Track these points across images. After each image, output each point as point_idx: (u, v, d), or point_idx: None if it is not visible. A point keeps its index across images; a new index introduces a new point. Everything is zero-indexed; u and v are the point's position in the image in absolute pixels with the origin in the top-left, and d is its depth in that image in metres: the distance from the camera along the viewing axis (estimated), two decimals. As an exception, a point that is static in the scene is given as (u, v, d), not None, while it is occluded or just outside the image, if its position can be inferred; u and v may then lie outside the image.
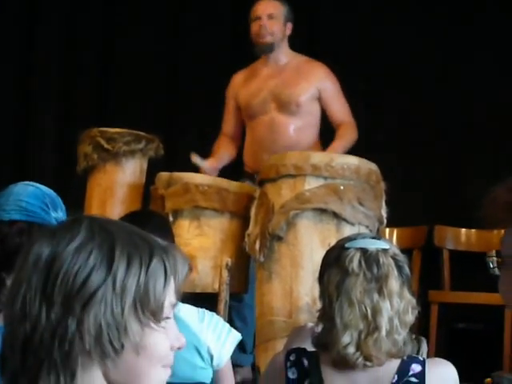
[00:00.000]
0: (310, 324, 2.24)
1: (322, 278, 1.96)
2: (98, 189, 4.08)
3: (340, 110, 4.12)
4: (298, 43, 4.27)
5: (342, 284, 1.89)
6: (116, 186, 4.07)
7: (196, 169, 4.03)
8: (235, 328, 3.79)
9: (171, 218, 3.70)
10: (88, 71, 5.21)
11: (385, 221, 3.64)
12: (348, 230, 3.41)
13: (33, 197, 1.91)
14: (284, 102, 4.09)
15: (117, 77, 5.17)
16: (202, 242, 3.72)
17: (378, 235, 3.55)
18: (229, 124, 4.30)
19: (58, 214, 1.90)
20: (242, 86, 4.24)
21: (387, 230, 4.46)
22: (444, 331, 4.39)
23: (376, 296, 1.89)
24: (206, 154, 4.22)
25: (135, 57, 5.10)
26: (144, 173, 4.15)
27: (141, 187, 4.12)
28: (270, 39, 4.12)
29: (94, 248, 1.11)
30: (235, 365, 3.56)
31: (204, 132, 4.89)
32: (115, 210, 3.96)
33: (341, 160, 3.59)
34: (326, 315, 1.92)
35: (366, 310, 1.88)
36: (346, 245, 1.94)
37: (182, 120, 5.09)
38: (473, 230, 4.60)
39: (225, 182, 3.82)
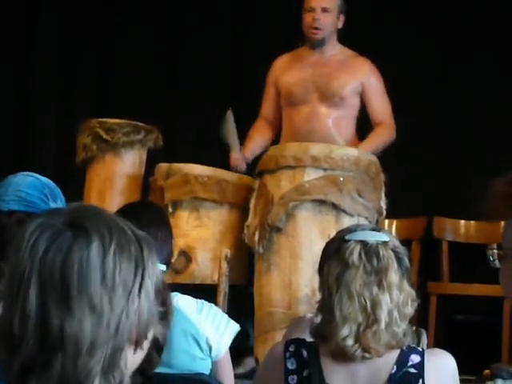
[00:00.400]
0: (309, 315, 2.25)
1: (321, 269, 1.96)
2: (97, 180, 4.07)
3: (381, 108, 4.06)
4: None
5: (342, 276, 1.90)
6: (115, 176, 4.06)
7: (195, 160, 4.00)
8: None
9: (170, 209, 3.70)
10: (88, 71, 5.20)
11: (384, 212, 3.64)
12: (347, 222, 3.41)
13: (32, 187, 1.91)
14: (328, 94, 4.02)
15: (117, 76, 5.16)
16: (202, 233, 3.72)
17: (378, 227, 3.56)
18: (267, 108, 4.19)
19: (57, 205, 1.90)
20: (283, 72, 4.14)
21: (386, 221, 4.45)
22: (443, 323, 4.39)
23: (375, 289, 1.89)
24: (208, 147, 4.19)
25: (135, 56, 5.09)
26: (143, 164, 4.14)
27: (140, 178, 4.11)
28: (322, 35, 4.05)
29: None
30: (251, 350, 3.56)
31: (204, 123, 4.89)
32: (114, 201, 3.95)
33: (340, 151, 3.59)
34: (325, 307, 1.92)
35: (366, 303, 1.88)
36: (346, 237, 1.93)
37: (182, 113, 5.08)
38: (472, 222, 4.61)
39: (224, 173, 3.82)
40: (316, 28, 4.04)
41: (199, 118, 4.93)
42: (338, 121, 4.03)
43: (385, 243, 1.93)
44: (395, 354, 1.92)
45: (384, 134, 4.04)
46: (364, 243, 1.92)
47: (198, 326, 2.35)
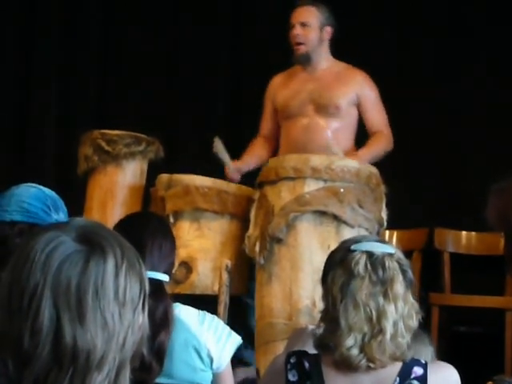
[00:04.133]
0: (311, 326, 2.24)
1: (325, 278, 1.95)
2: (98, 191, 4.08)
3: (377, 118, 4.08)
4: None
5: (347, 286, 1.89)
6: (116, 187, 4.06)
7: (196, 171, 4.00)
8: (250, 326, 3.80)
9: (172, 220, 3.70)
10: (87, 73, 5.21)
11: (385, 223, 3.63)
12: (348, 233, 3.40)
13: (34, 198, 1.91)
14: (323, 105, 4.05)
15: (116, 79, 5.17)
16: (202, 243, 3.72)
17: (381, 239, 3.55)
18: (266, 125, 4.25)
19: (60, 216, 1.90)
20: (280, 88, 4.20)
21: (387, 232, 4.45)
22: (445, 334, 4.38)
23: (381, 299, 1.89)
24: (209, 156, 4.19)
25: (135, 59, 5.10)
26: (144, 175, 4.15)
27: (141, 189, 4.12)
28: (304, 49, 4.08)
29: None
30: (243, 362, 3.56)
31: (204, 134, 4.89)
32: (115, 212, 3.95)
33: (341, 163, 3.59)
34: (330, 316, 1.92)
35: (371, 313, 1.88)
36: (352, 247, 1.93)
37: (182, 122, 5.09)
38: (473, 233, 4.60)
39: (225, 184, 3.82)
40: (297, 43, 4.08)
41: (200, 129, 4.93)
42: (336, 132, 4.05)
43: (390, 255, 1.93)
44: (398, 365, 1.91)
45: (381, 143, 4.06)
46: (370, 254, 1.92)
47: (200, 337, 2.34)
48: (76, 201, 3.85)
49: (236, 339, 2.41)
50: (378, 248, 1.93)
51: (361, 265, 1.90)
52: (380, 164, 3.89)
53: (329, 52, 4.16)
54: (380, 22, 4.79)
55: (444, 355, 3.93)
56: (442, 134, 4.71)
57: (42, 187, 1.97)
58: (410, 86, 4.69)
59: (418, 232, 4.61)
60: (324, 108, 4.06)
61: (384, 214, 3.63)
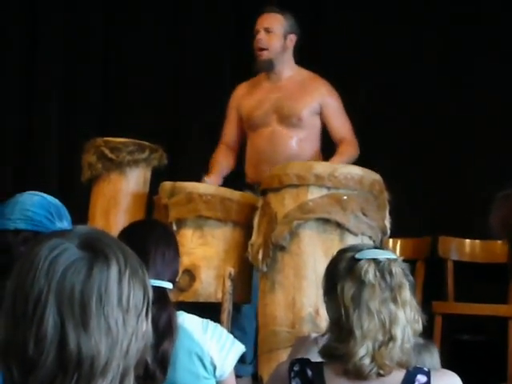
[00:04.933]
0: (314, 334, 2.24)
1: (332, 290, 1.94)
2: (101, 198, 4.08)
3: (341, 126, 4.11)
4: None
5: (359, 295, 1.89)
6: (120, 195, 4.07)
7: (200, 179, 4.03)
8: (244, 329, 3.80)
9: (175, 228, 3.69)
10: (90, 82, 5.22)
11: (388, 231, 3.63)
12: (351, 241, 3.40)
13: (38, 206, 1.91)
14: (285, 115, 4.09)
15: (118, 87, 5.18)
16: (206, 251, 3.71)
17: (382, 246, 3.55)
18: (229, 134, 4.30)
19: (63, 224, 1.90)
20: (244, 98, 4.24)
21: (391, 240, 4.45)
22: (448, 342, 4.37)
23: (392, 305, 1.89)
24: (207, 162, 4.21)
25: (136, 67, 5.11)
26: (148, 182, 4.16)
27: (144, 197, 4.12)
28: (267, 54, 4.10)
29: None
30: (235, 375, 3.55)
31: (207, 141, 4.89)
32: (119, 220, 3.96)
33: (344, 170, 3.58)
34: (341, 327, 1.91)
35: (385, 320, 1.88)
36: (357, 256, 1.93)
37: (185, 129, 5.10)
38: (477, 241, 4.59)
39: (228, 192, 3.82)
40: (260, 49, 4.10)
41: (203, 136, 4.93)
42: (299, 141, 4.08)
43: (394, 260, 1.94)
44: (401, 373, 1.91)
45: (348, 150, 4.08)
46: (376, 261, 1.92)
47: (203, 345, 2.34)
48: (80, 208, 3.86)
49: (239, 347, 2.41)
50: (382, 255, 1.93)
51: (370, 273, 1.90)
52: (383, 171, 3.89)
53: (292, 60, 4.18)
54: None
55: (447, 363, 3.92)
56: (444, 141, 4.71)
57: (45, 195, 1.97)
58: (408, 94, 4.70)
59: (421, 240, 4.60)
60: (287, 118, 4.10)
61: (387, 222, 3.62)
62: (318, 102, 4.10)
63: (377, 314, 1.88)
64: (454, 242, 4.61)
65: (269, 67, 4.14)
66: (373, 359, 1.87)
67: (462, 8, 4.72)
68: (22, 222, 1.87)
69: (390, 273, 1.91)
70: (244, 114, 4.21)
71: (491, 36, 4.65)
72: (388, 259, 1.93)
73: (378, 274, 1.91)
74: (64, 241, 1.12)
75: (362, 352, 1.87)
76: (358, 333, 1.87)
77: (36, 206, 1.91)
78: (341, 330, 1.90)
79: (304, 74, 4.18)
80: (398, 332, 1.88)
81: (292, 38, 4.14)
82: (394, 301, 1.90)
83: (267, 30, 4.10)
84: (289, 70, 4.17)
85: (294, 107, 4.08)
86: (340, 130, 4.11)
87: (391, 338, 1.87)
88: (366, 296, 1.89)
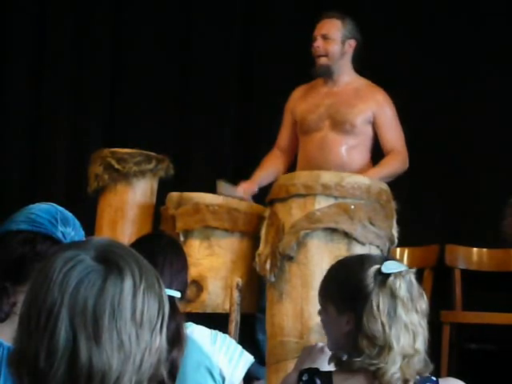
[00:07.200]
0: (320, 344, 2.23)
1: (360, 304, 1.92)
2: (108, 209, 4.08)
3: (392, 137, 4.04)
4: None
5: (394, 310, 1.89)
6: (127, 206, 4.07)
7: (206, 189, 4.01)
8: (257, 340, 3.79)
9: (182, 238, 3.69)
10: (97, 93, 5.23)
11: (396, 240, 3.62)
12: (359, 250, 3.39)
13: (44, 211, 1.92)
14: (339, 121, 4.04)
15: (125, 98, 5.19)
16: (213, 262, 3.71)
17: (390, 255, 3.54)
18: (283, 137, 4.24)
19: (67, 230, 1.89)
20: (300, 101, 4.19)
21: (398, 249, 4.44)
22: (456, 352, 4.36)
23: (415, 317, 1.90)
24: (219, 174, 4.18)
25: (143, 78, 5.12)
26: (154, 193, 4.15)
27: (151, 207, 4.12)
28: (325, 61, 4.06)
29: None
30: (254, 377, 3.55)
31: (214, 151, 4.90)
32: (126, 231, 3.96)
33: (351, 179, 3.58)
34: (374, 343, 1.89)
35: (413, 333, 1.89)
36: (384, 270, 1.91)
37: (192, 140, 5.10)
38: (484, 250, 4.58)
39: (235, 202, 3.82)
40: (318, 56, 4.08)
41: (210, 146, 4.94)
42: (350, 149, 4.03)
43: (412, 271, 1.95)
44: (410, 383, 1.91)
45: (395, 162, 4.03)
46: (401, 274, 1.91)
47: (212, 357, 2.34)
48: (87, 220, 3.86)
49: (248, 358, 2.41)
50: (401, 266, 1.93)
51: (403, 288, 1.90)
52: (390, 181, 3.88)
53: (351, 66, 4.14)
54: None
55: (455, 373, 3.91)
56: (452, 150, 4.70)
57: (57, 205, 1.97)
58: (424, 102, 4.69)
59: (428, 249, 4.59)
60: (339, 124, 4.04)
61: (395, 231, 3.62)
62: (372, 110, 4.04)
63: (410, 328, 1.89)
64: (462, 251, 4.60)
65: (326, 73, 4.10)
66: (401, 372, 1.88)
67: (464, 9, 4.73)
68: (24, 224, 1.89)
69: (411, 284, 1.92)
70: (298, 118, 4.16)
71: (498, 42, 4.66)
72: (407, 270, 1.93)
73: (404, 286, 1.91)
74: (80, 252, 1.12)
75: (396, 367, 1.87)
76: (396, 348, 1.87)
77: (42, 210, 1.92)
78: (374, 346, 1.89)
79: (361, 81, 4.13)
80: (421, 344, 1.89)
81: (351, 44, 4.09)
82: (416, 312, 1.90)
83: (324, 37, 4.07)
84: (346, 76, 4.12)
85: (348, 113, 4.03)
86: (390, 141, 4.04)
87: (417, 351, 1.89)
88: (400, 311, 1.89)
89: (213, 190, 3.97)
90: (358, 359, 1.90)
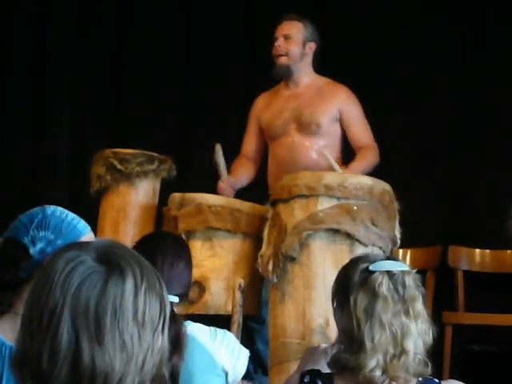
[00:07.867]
0: (323, 345, 2.23)
1: (344, 300, 1.93)
2: (110, 210, 4.08)
3: (361, 133, 4.06)
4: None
5: (373, 308, 1.88)
6: (129, 207, 4.07)
7: (209, 190, 4.01)
8: (257, 350, 3.79)
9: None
10: (99, 94, 5.23)
11: (398, 241, 3.62)
12: (361, 251, 3.38)
13: (28, 214, 1.91)
14: (304, 123, 4.05)
15: (127, 99, 5.19)
16: (215, 262, 3.71)
17: (392, 256, 3.54)
18: (249, 145, 4.27)
19: (40, 234, 1.86)
20: (264, 108, 4.21)
21: (401, 250, 4.43)
22: (458, 353, 4.35)
23: (404, 318, 1.89)
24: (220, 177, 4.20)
25: (145, 79, 5.12)
26: (157, 194, 4.15)
27: (154, 208, 4.12)
28: (285, 60, 4.08)
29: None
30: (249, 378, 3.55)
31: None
32: (128, 231, 3.96)
33: (354, 180, 3.58)
34: (352, 338, 1.90)
35: (396, 333, 1.87)
36: (371, 268, 1.92)
37: (194, 140, 5.10)
38: (487, 251, 4.58)
39: (237, 203, 3.82)
40: (279, 55, 4.08)
41: (212, 148, 4.93)
42: (320, 149, 4.05)
43: (408, 272, 1.94)
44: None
45: (370, 156, 4.05)
46: (390, 273, 1.91)
47: (214, 353, 2.34)
48: (89, 220, 3.85)
49: (246, 352, 2.43)
50: (396, 266, 1.93)
51: (384, 286, 1.89)
52: (392, 181, 3.88)
53: (311, 68, 4.16)
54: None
55: (458, 374, 3.90)
56: (454, 151, 4.70)
57: (55, 208, 1.95)
58: (420, 104, 4.69)
59: (431, 250, 4.59)
60: (305, 126, 4.06)
61: (397, 232, 3.61)
62: (337, 108, 4.06)
63: (388, 327, 1.88)
64: (464, 252, 4.60)
65: (287, 74, 4.12)
66: (384, 371, 1.86)
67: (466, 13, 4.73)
68: (10, 229, 1.89)
69: (404, 285, 1.91)
70: (264, 125, 4.19)
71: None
72: (402, 271, 1.92)
73: (391, 286, 1.90)
74: (81, 253, 1.12)
75: (373, 364, 1.86)
76: (368, 345, 1.86)
77: (28, 214, 1.91)
78: (352, 341, 1.90)
79: (323, 80, 4.15)
80: (409, 345, 1.88)
81: (311, 46, 4.13)
82: (407, 313, 1.89)
83: (286, 37, 4.10)
84: (306, 77, 4.14)
85: (313, 114, 4.04)
86: (359, 136, 4.06)
87: (403, 351, 1.87)
88: (378, 308, 1.88)
89: (215, 191, 3.97)
90: (342, 355, 1.90)
